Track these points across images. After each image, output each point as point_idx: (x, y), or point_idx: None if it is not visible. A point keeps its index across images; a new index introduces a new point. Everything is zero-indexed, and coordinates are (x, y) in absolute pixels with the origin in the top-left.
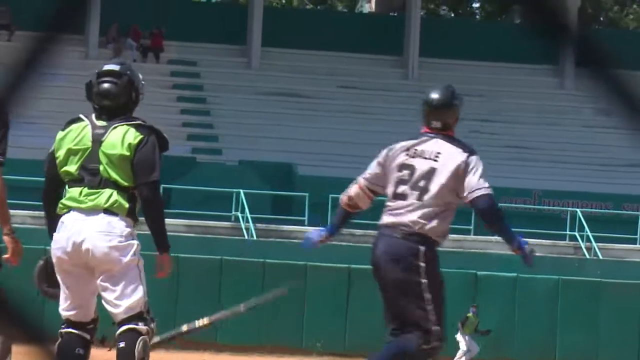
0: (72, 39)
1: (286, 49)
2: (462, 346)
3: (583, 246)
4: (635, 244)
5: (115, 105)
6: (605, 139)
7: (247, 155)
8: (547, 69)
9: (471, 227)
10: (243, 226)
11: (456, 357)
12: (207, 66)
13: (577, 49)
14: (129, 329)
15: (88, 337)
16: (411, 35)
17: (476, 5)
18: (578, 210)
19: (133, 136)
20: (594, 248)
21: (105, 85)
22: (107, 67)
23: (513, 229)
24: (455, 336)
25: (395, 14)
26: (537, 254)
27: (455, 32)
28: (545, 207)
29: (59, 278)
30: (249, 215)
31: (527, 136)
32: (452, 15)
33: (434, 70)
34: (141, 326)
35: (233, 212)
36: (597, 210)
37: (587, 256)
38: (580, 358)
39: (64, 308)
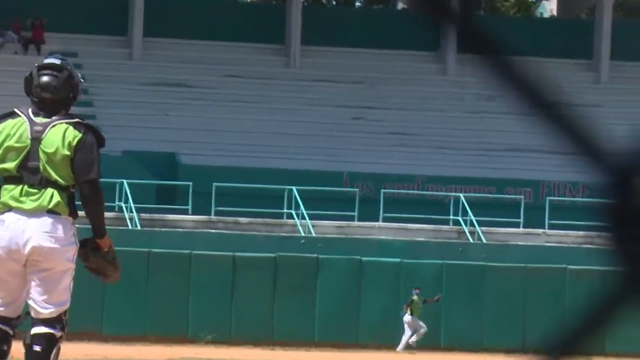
0: None
1: (168, 39)
2: (407, 329)
3: (467, 230)
4: (518, 227)
5: (55, 98)
6: (487, 124)
7: (130, 146)
8: (429, 55)
9: (355, 214)
10: (127, 216)
11: (403, 341)
12: (88, 57)
13: (461, 34)
14: (46, 334)
15: (11, 332)
16: (292, 24)
17: None
18: (461, 195)
19: (72, 135)
20: (478, 232)
21: (46, 78)
22: (47, 60)
23: (394, 215)
24: (403, 319)
25: (277, 3)
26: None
27: (336, 19)
28: (428, 192)
29: None
30: (132, 205)
31: (410, 122)
32: (334, 2)
33: (316, 58)
34: (58, 331)
35: (117, 203)
36: (479, 194)
37: (471, 240)
38: (465, 342)
39: None
